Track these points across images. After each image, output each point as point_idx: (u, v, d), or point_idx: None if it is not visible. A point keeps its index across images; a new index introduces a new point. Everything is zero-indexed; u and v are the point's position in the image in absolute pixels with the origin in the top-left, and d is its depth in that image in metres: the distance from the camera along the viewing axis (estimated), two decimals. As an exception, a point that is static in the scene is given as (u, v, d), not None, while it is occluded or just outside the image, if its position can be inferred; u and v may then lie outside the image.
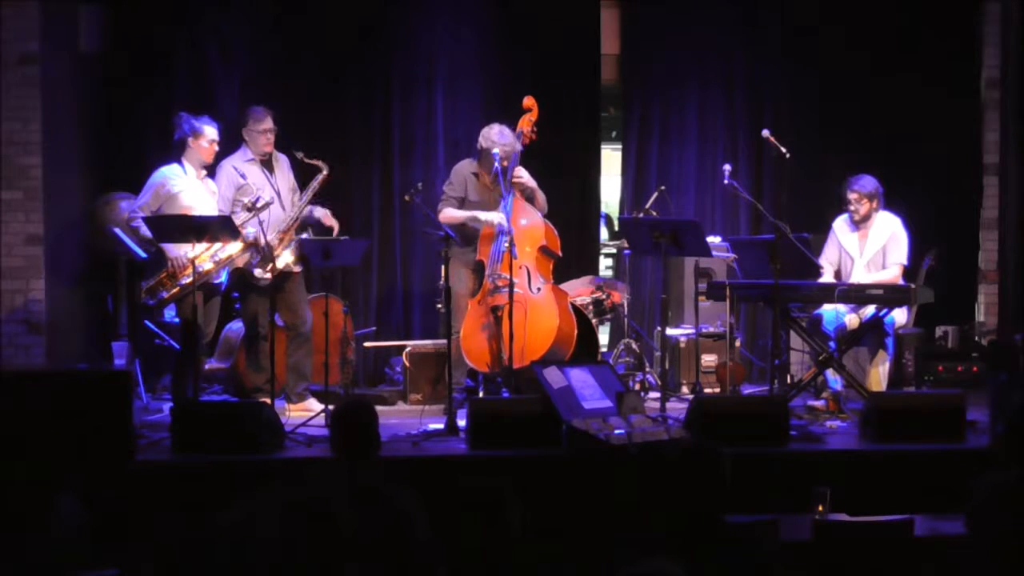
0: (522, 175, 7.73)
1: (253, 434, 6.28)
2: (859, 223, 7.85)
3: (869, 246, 7.84)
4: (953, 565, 4.68)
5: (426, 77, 9.08)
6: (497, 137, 7.62)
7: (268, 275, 7.36)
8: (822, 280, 7.70)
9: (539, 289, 7.64)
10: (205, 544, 3.22)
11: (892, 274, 7.74)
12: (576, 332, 7.62)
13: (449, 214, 7.75)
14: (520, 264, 7.55)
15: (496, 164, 7.58)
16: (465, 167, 7.88)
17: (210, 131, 7.39)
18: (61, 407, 5.96)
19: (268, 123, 7.52)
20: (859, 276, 7.76)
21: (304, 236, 7.51)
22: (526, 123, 7.83)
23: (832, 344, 7.59)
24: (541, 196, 7.88)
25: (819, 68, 9.29)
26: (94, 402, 6.05)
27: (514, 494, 3.66)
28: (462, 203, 7.78)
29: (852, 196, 7.81)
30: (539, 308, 7.56)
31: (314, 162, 7.50)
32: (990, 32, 9.31)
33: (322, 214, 7.61)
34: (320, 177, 7.51)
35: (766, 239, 7.42)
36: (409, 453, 6.40)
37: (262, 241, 7.28)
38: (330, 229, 7.63)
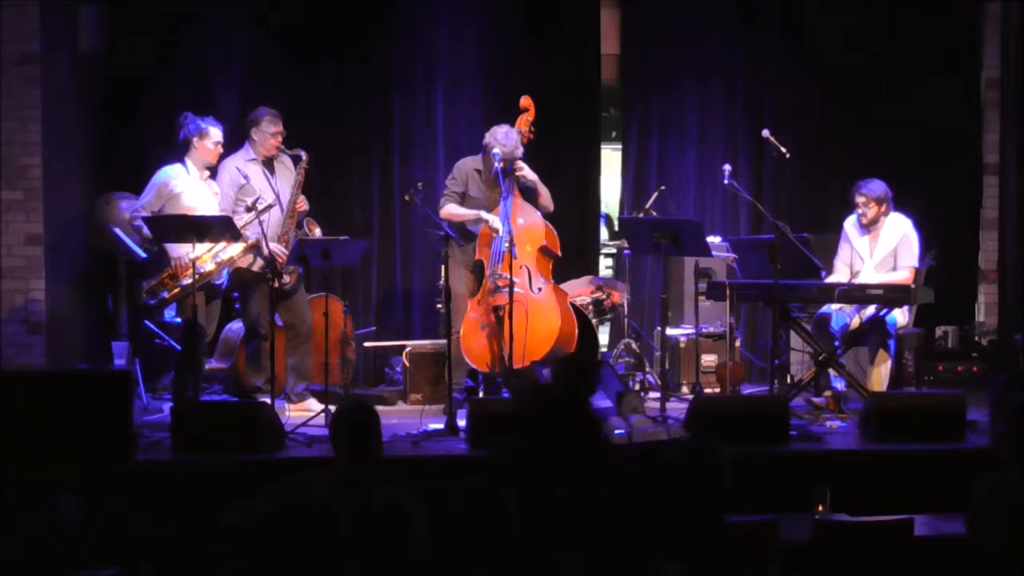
0: (522, 168, 7.74)
1: (253, 434, 6.28)
2: (867, 226, 7.83)
3: (879, 249, 7.82)
4: (953, 565, 4.69)
5: (426, 77, 9.09)
6: (502, 137, 7.62)
7: (288, 279, 7.40)
8: (832, 280, 7.71)
9: (540, 289, 7.64)
10: (205, 544, 3.22)
11: (902, 276, 7.71)
12: (577, 332, 7.62)
13: (451, 211, 7.75)
14: (520, 264, 7.55)
15: (496, 164, 7.60)
16: (468, 163, 7.89)
17: (215, 132, 7.39)
18: (61, 407, 5.96)
19: (280, 126, 7.51)
20: (868, 278, 7.74)
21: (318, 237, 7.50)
22: (523, 123, 7.84)
23: (838, 344, 7.60)
24: (545, 192, 7.87)
25: (819, 68, 9.29)
26: (94, 402, 6.05)
27: (514, 495, 3.66)
28: (463, 198, 7.78)
29: (860, 200, 7.79)
30: (540, 308, 7.57)
31: (293, 152, 7.49)
32: (990, 32, 9.31)
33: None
34: (302, 166, 7.50)
35: (766, 239, 7.41)
36: (409, 453, 6.40)
37: (263, 244, 7.26)
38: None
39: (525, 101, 7.91)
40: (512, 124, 7.78)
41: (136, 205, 7.42)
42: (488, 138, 7.70)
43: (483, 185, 7.78)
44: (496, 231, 7.58)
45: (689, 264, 8.42)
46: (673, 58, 9.38)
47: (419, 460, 6.31)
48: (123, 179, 8.41)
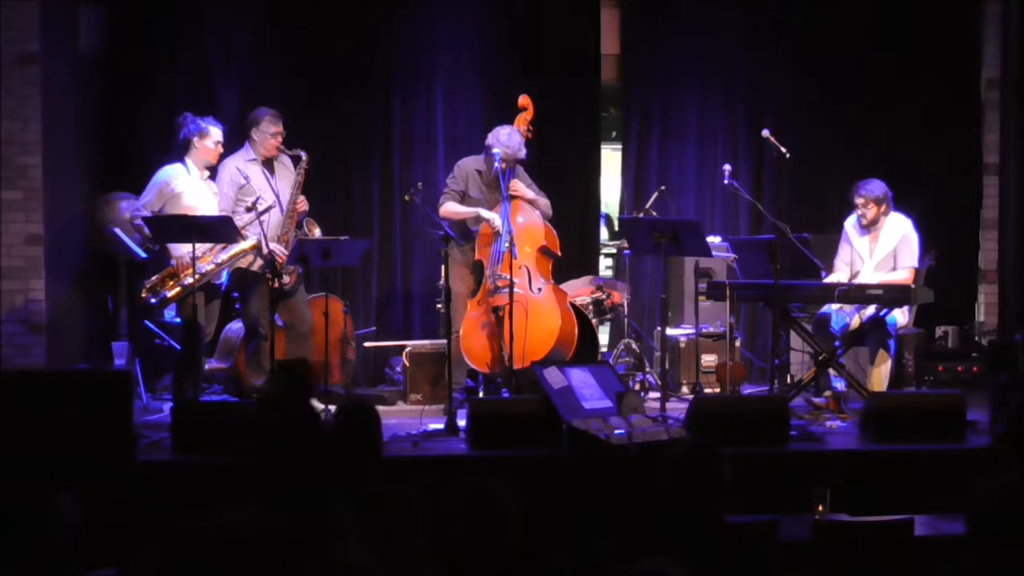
0: (518, 187, 7.73)
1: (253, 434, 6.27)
2: (867, 226, 7.82)
3: (879, 249, 7.81)
4: (953, 565, 4.68)
5: (426, 76, 9.08)
6: (505, 139, 7.62)
7: (288, 279, 7.39)
8: (832, 280, 7.71)
9: (540, 289, 7.64)
10: (205, 544, 3.22)
11: (902, 276, 7.70)
12: (577, 332, 7.62)
13: (450, 208, 7.75)
14: (520, 264, 7.56)
15: (496, 164, 7.60)
16: (469, 163, 7.89)
17: (215, 132, 7.40)
18: (61, 407, 5.96)
19: (280, 126, 7.51)
20: (868, 278, 7.73)
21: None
22: (522, 121, 7.84)
23: (838, 344, 7.60)
24: (544, 203, 7.87)
25: (819, 68, 9.29)
26: (94, 402, 6.04)
27: (514, 495, 3.66)
28: (463, 197, 7.79)
29: (859, 200, 7.78)
30: (540, 309, 7.56)
31: (293, 152, 7.49)
32: (990, 32, 9.31)
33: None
34: (302, 166, 7.49)
35: (766, 239, 7.42)
36: (409, 453, 6.40)
37: (263, 244, 7.26)
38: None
39: (523, 100, 7.91)
40: (512, 123, 7.79)
41: (136, 205, 7.42)
42: (491, 139, 7.69)
43: (483, 186, 7.78)
44: (496, 229, 7.57)
45: (689, 264, 8.42)
46: (673, 58, 9.38)
47: (419, 460, 6.31)
48: (123, 179, 8.40)
